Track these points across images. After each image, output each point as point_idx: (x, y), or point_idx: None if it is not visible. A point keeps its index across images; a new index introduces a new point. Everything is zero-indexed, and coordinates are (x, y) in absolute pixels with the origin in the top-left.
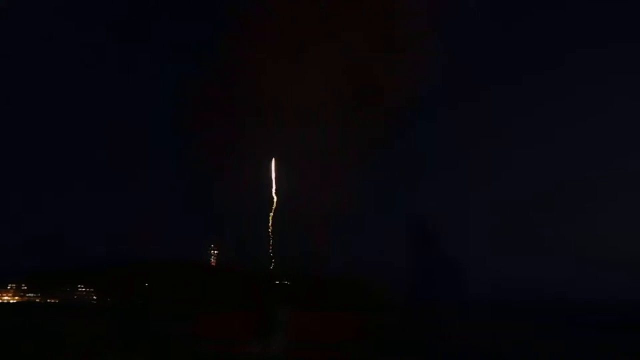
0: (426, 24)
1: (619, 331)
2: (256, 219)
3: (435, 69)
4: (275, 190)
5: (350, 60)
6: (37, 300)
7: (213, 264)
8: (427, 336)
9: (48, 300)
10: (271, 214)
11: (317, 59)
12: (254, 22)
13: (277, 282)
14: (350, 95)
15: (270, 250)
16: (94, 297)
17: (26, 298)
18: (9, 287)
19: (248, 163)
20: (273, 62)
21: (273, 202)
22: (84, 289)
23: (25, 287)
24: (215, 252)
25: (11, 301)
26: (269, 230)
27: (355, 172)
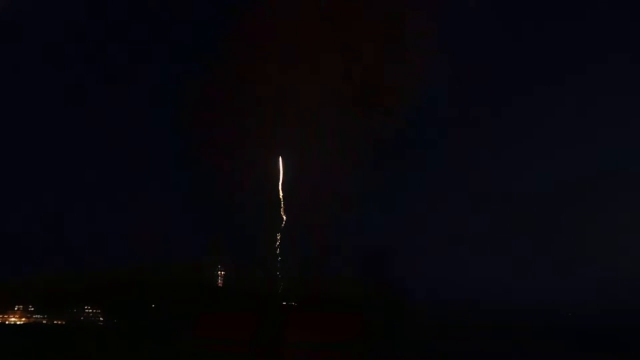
0: (426, 24)
1: (619, 332)
2: (261, 231)
3: (436, 69)
4: (284, 208)
5: (351, 60)
6: (44, 321)
7: (220, 284)
8: (427, 336)
9: (55, 322)
10: (279, 234)
11: (317, 59)
12: (254, 22)
13: (285, 303)
14: (350, 95)
15: (278, 272)
16: (101, 318)
17: (33, 319)
18: (16, 309)
19: (248, 164)
20: (273, 62)
21: (282, 219)
22: (90, 310)
23: (32, 309)
24: (222, 272)
25: (18, 322)
26: (277, 249)
27: (355, 172)
